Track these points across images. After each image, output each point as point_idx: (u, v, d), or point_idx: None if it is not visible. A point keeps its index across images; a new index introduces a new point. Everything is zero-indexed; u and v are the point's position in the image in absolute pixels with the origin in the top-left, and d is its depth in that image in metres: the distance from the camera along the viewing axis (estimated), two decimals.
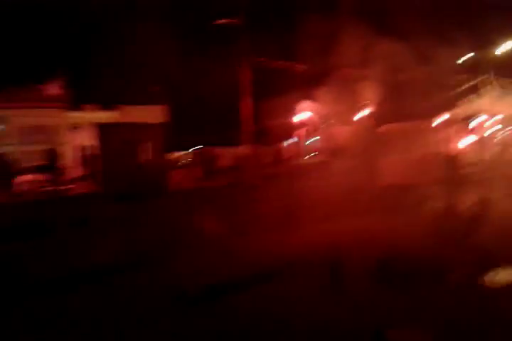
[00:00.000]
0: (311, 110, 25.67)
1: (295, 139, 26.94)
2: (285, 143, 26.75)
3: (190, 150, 27.90)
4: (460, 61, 24.67)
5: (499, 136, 24.76)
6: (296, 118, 26.39)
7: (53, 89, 30.41)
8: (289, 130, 27.25)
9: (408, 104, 23.81)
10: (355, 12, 21.81)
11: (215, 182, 18.63)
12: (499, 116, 24.76)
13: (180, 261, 10.66)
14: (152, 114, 29.68)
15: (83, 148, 24.66)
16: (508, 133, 24.61)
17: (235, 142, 23.27)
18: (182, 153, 27.90)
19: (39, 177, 19.83)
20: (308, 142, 26.28)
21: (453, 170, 17.83)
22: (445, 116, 23.54)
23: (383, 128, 21.45)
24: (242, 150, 21.66)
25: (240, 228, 14.22)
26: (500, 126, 25.28)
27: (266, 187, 18.03)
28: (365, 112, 24.00)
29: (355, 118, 24.80)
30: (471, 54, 24.48)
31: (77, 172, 21.81)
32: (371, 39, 21.69)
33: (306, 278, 9.76)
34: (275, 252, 12.18)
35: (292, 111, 26.26)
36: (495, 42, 24.13)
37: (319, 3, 22.82)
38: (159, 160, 18.60)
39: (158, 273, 9.96)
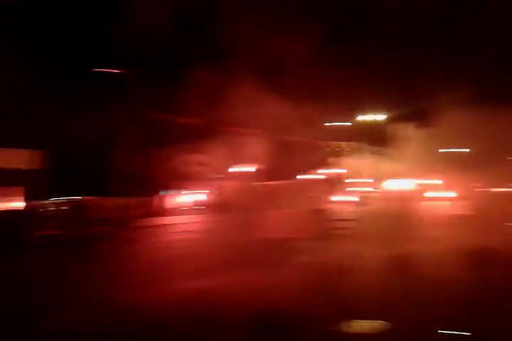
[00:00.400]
0: (195, 162, 25.81)
1: (177, 191, 26.62)
2: (166, 195, 26.26)
3: (62, 198, 26.12)
4: (333, 124, 26.92)
5: (359, 194, 26.86)
6: (179, 170, 26.25)
7: None
8: (171, 181, 26.95)
9: (288, 162, 25.03)
10: (245, 70, 22.69)
11: (81, 235, 17.49)
12: (366, 179, 27.07)
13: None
14: (25, 158, 27.59)
15: None
16: (374, 193, 26.90)
17: (111, 192, 22.34)
18: (52, 200, 26.02)
19: None
20: (189, 194, 26.10)
21: (324, 224, 18.74)
22: (318, 174, 25.16)
23: (263, 184, 22.20)
24: (116, 201, 20.78)
25: (102, 285, 13.32)
26: (367, 188, 27.58)
27: (136, 241, 17.34)
28: (249, 168, 24.73)
29: (239, 173, 25.41)
30: (341, 121, 26.93)
31: None
32: (259, 96, 22.67)
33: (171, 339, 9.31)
34: (141, 311, 11.56)
35: (176, 163, 26.13)
36: (367, 112, 26.71)
37: (210, 59, 23.55)
38: (26, 208, 17.14)
39: None
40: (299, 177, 24.73)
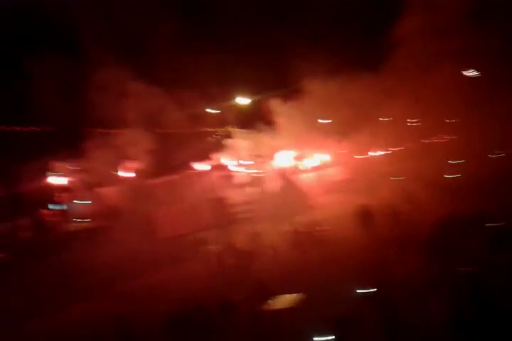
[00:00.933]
0: (69, 172, 24.17)
1: (58, 205, 24.81)
2: (46, 210, 24.36)
3: None
4: (209, 111, 26.86)
5: (252, 177, 27.59)
6: (53, 182, 24.39)
7: None
8: (47, 195, 25.00)
9: (172, 154, 24.58)
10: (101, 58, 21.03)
11: None
12: (248, 161, 27.79)
13: None
14: None
15: None
16: (259, 173, 27.74)
17: None
18: None
19: None
20: (73, 206, 24.46)
21: (220, 212, 18.99)
22: (205, 163, 25.17)
23: (150, 182, 21.55)
24: None
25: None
26: (252, 169, 28.36)
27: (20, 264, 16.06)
28: (130, 169, 23.82)
29: (120, 176, 24.38)
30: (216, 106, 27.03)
31: None
32: (122, 88, 21.36)
33: None
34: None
35: (46, 175, 24.24)
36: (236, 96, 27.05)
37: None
38: None
39: None
40: (187, 169, 24.45)
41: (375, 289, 8.35)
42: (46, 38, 24.92)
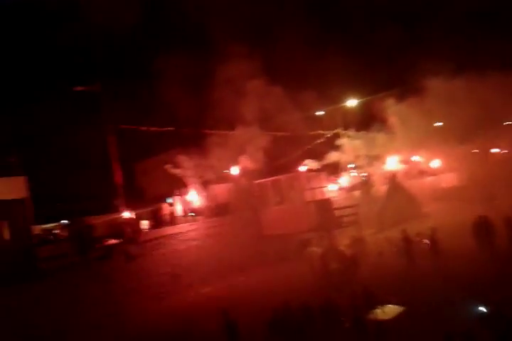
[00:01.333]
0: (186, 169, 25.66)
1: (174, 199, 26.42)
2: (164, 204, 26.07)
3: (62, 221, 25.75)
4: (317, 114, 26.74)
5: (361, 180, 26.97)
6: (169, 179, 26.08)
7: None
8: (166, 191, 26.75)
9: (282, 155, 24.91)
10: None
11: (89, 256, 17.35)
12: (357, 164, 27.16)
13: None
14: (10, 187, 27.03)
15: None
16: (365, 177, 26.99)
17: (109, 208, 22.07)
18: (51, 225, 25.62)
19: None
20: (188, 201, 25.90)
21: (326, 214, 18.78)
22: (309, 166, 25.10)
23: (258, 182, 22.02)
24: (119, 216, 20.57)
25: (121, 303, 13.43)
26: (360, 173, 27.71)
27: (146, 256, 17.35)
28: (240, 168, 24.56)
29: (232, 174, 25.24)
30: (323, 109, 26.79)
31: None
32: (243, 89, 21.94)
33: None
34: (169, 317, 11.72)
35: (167, 172, 25.93)
36: (343, 100, 26.58)
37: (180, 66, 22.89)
38: (26, 238, 16.77)
39: None
40: (296, 169, 24.51)
41: (492, 308, 7.68)
42: (178, 41, 26.55)
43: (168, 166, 25.73)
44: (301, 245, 15.76)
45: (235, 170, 24.87)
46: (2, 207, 16.53)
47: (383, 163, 26.20)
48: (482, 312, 7.55)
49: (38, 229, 21.31)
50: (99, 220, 21.21)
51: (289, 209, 19.86)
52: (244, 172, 24.35)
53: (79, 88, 19.91)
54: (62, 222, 25.65)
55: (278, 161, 24.99)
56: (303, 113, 24.17)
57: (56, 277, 15.07)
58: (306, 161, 25.61)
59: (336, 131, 26.96)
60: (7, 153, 26.94)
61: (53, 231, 25.60)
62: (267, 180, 21.83)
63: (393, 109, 24.72)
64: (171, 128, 23.80)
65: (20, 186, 27.37)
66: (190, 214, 25.65)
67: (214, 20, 22.74)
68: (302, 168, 25.42)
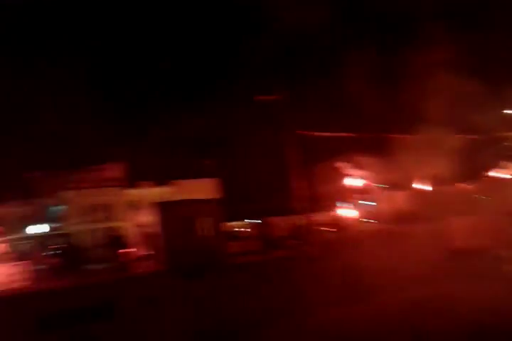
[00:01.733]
0: (362, 176, 25.51)
1: (349, 205, 26.48)
2: (339, 209, 26.33)
3: (246, 220, 28.00)
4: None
5: None
6: (347, 184, 26.18)
7: (111, 170, 31.85)
8: (341, 196, 26.93)
9: (471, 160, 23.12)
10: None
11: (274, 255, 18.45)
12: None
13: None
14: (205, 187, 30.29)
15: (142, 225, 25.06)
16: None
17: (288, 210, 23.13)
18: (237, 223, 27.96)
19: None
20: (362, 208, 25.74)
21: None
22: (497, 174, 22.67)
23: (445, 188, 20.73)
24: (297, 219, 21.46)
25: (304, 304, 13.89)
26: None
27: (327, 259, 17.68)
28: (424, 176, 23.41)
29: (413, 182, 24.24)
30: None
31: (140, 249, 22.02)
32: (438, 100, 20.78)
33: None
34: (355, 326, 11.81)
35: (343, 177, 26.11)
36: None
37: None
38: (218, 234, 18.61)
39: None
40: (486, 176, 22.39)
41: None
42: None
43: (348, 170, 25.86)
44: (496, 261, 14.50)
45: (418, 178, 23.92)
46: (209, 205, 18.66)
47: None
48: None
49: (226, 226, 23.45)
50: (279, 221, 22.48)
51: (481, 221, 18.33)
52: (430, 178, 23.17)
53: (263, 97, 21.30)
54: (247, 221, 27.83)
55: (467, 167, 23.16)
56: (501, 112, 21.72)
57: (249, 271, 16.16)
58: (502, 164, 23.12)
59: None
60: (204, 156, 30.40)
61: (236, 229, 27.93)
62: (454, 187, 20.53)
63: None
64: (353, 134, 23.89)
65: (214, 187, 30.82)
66: (367, 220, 25.41)
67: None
68: (494, 174, 23.18)
